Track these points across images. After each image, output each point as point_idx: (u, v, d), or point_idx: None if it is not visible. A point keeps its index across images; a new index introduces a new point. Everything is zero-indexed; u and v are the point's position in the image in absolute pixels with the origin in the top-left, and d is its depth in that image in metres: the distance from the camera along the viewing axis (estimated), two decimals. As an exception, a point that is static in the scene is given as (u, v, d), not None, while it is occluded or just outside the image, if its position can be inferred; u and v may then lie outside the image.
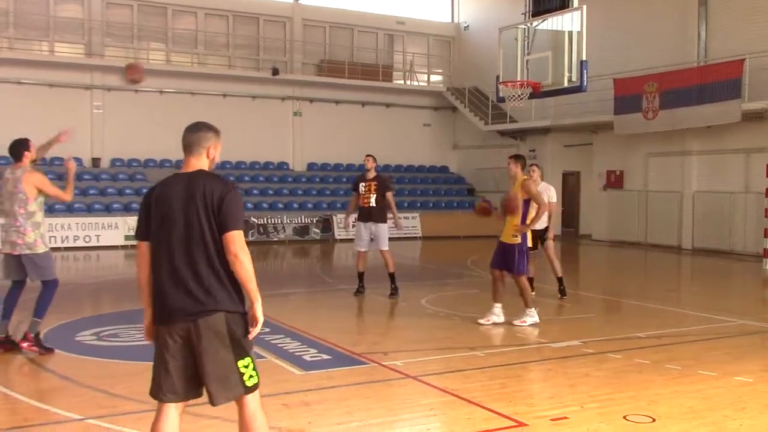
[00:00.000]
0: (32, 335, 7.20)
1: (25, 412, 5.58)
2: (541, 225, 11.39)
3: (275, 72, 25.01)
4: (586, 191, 24.35)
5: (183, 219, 3.74)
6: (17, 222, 7.11)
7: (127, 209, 20.71)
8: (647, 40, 21.34)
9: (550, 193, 11.48)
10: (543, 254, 11.44)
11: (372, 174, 11.33)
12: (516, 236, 8.94)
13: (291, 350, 7.63)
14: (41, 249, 7.22)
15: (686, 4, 20.46)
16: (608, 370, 7.03)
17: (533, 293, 11.27)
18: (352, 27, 27.79)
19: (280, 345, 7.86)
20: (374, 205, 11.23)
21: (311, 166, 26.44)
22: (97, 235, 19.65)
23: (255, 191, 23.94)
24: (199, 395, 3.83)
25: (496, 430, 5.24)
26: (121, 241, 19.58)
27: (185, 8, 24.96)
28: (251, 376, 3.78)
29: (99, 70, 23.04)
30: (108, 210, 20.68)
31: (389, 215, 11.46)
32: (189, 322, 3.71)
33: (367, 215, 11.24)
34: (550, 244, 11.36)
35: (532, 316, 9.06)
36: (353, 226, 11.68)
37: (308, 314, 9.96)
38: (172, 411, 3.82)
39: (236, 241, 3.72)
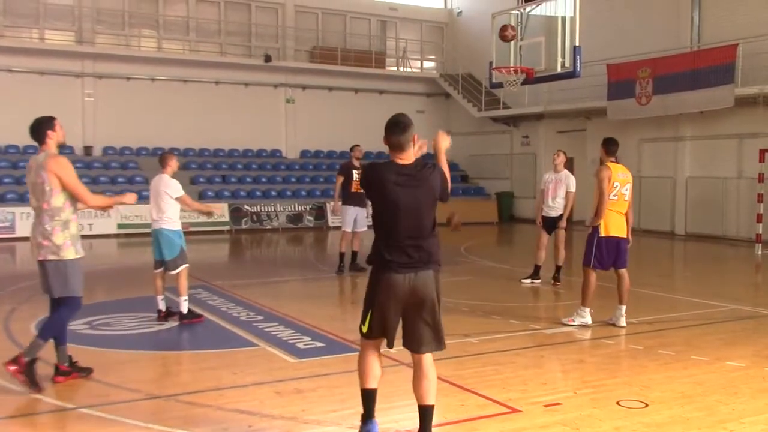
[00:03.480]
0: (25, 360, 5.75)
1: (16, 402, 5.56)
2: (555, 213, 11.40)
3: (267, 59, 24.88)
4: (580, 177, 24.09)
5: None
6: (43, 220, 5.79)
7: (119, 197, 20.55)
8: (641, 25, 21.28)
9: (569, 182, 11.54)
10: (553, 241, 11.41)
11: (359, 162, 12.36)
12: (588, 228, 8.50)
13: (284, 338, 7.62)
14: (71, 255, 5.86)
15: (679, -12, 20.42)
16: (601, 356, 7.05)
17: (539, 280, 11.35)
18: (345, 13, 27.63)
19: (273, 333, 7.86)
20: (363, 190, 11.91)
21: (304, 154, 26.37)
22: (90, 224, 19.49)
23: (248, 179, 23.85)
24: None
25: (489, 416, 5.24)
26: (114, 230, 19.44)
27: (176, -5, 24.81)
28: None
29: (90, 57, 22.89)
30: (100, 198, 20.55)
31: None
32: None
33: (358, 200, 12.21)
34: (562, 233, 11.32)
35: (582, 316, 8.34)
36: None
37: (302, 302, 9.93)
38: None
39: None
